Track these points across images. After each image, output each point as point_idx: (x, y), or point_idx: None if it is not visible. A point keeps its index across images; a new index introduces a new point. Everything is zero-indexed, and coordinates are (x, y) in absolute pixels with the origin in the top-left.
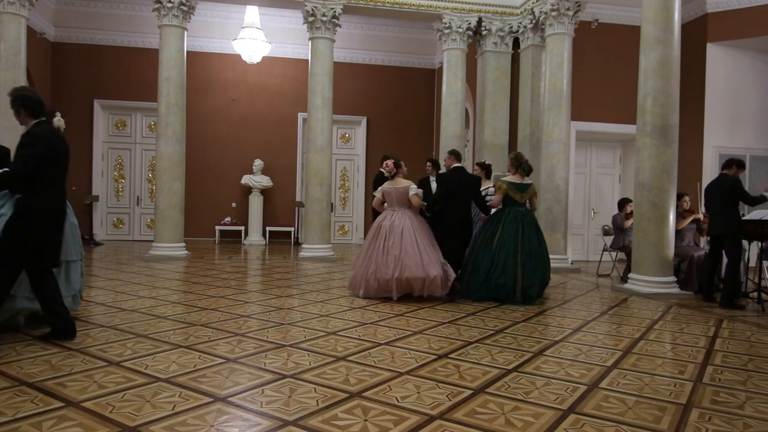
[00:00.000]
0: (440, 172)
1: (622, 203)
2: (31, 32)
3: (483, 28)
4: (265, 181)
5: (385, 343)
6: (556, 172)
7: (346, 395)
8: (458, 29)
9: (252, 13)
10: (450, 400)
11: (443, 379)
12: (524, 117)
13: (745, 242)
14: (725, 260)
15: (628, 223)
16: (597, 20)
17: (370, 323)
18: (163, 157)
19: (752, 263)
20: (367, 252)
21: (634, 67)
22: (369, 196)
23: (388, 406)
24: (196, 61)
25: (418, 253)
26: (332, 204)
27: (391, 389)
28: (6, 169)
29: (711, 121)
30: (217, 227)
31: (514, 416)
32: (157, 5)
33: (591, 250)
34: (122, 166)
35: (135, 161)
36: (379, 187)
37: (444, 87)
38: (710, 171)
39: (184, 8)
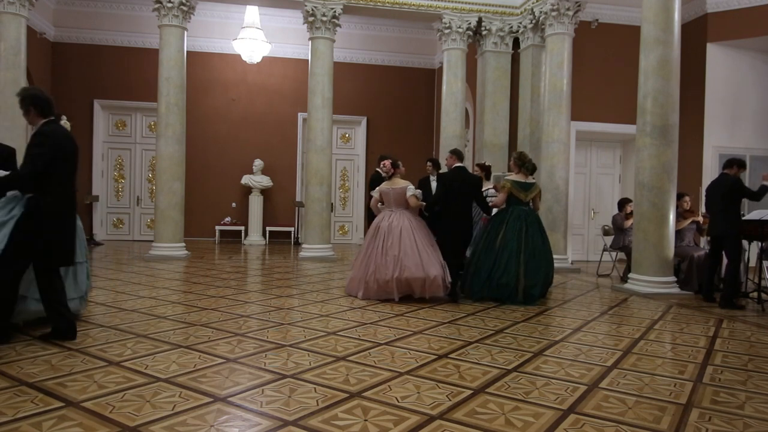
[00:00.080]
0: (441, 171)
1: (622, 203)
2: (31, 32)
3: (483, 28)
4: (265, 181)
5: (385, 343)
6: (556, 172)
7: (346, 395)
8: (458, 29)
9: (252, 13)
10: (450, 400)
11: (443, 379)
12: (524, 117)
13: (745, 242)
14: (725, 260)
15: (628, 223)
16: (597, 20)
17: (370, 323)
18: (163, 157)
19: (752, 263)
20: (365, 253)
21: (634, 67)
22: (368, 196)
23: (388, 406)
24: (196, 61)
25: (417, 254)
26: (332, 204)
27: (391, 389)
28: (8, 171)
29: (711, 121)
30: (217, 227)
31: (514, 416)
32: (157, 5)
33: (591, 250)
34: (122, 166)
35: (135, 161)
36: (377, 188)
37: (444, 87)
38: (710, 171)
39: (184, 8)
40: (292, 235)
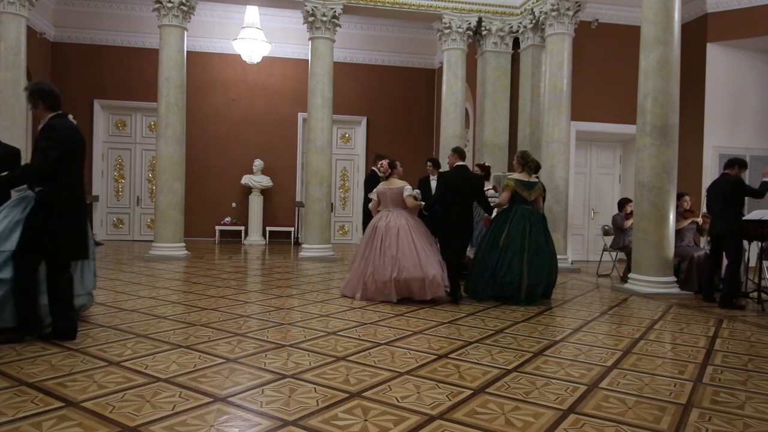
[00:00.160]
0: (441, 170)
1: (622, 203)
2: (31, 32)
3: (483, 28)
4: (265, 181)
5: (385, 343)
6: (556, 172)
7: (346, 395)
8: (458, 29)
9: (252, 13)
10: (450, 400)
11: (443, 379)
12: (524, 117)
13: (745, 242)
14: (725, 260)
15: (628, 223)
16: (597, 20)
17: (370, 323)
18: (163, 157)
19: (752, 263)
20: (363, 254)
21: (634, 67)
22: (365, 197)
23: (388, 406)
24: (196, 61)
25: (415, 254)
26: (332, 204)
27: (391, 389)
28: (7, 172)
29: (711, 121)
30: (217, 227)
31: (514, 416)
32: (157, 5)
33: (591, 250)
34: (122, 166)
35: (135, 161)
36: (374, 189)
37: (444, 87)
38: (710, 171)
39: (184, 8)
40: (292, 235)
